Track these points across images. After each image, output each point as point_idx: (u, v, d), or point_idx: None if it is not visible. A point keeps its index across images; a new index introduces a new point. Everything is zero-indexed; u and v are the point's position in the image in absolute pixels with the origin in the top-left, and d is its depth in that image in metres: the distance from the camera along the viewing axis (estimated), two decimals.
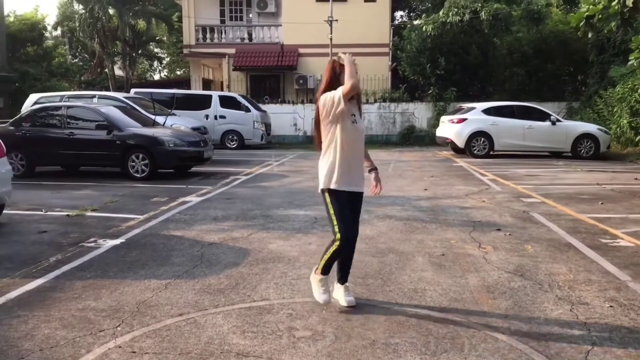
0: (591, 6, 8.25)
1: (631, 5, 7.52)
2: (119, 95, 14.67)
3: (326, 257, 3.72)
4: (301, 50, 24.41)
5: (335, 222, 3.65)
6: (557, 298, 3.98)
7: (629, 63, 15.47)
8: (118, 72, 31.96)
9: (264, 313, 3.69)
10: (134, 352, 3.09)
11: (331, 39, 21.66)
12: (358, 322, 3.54)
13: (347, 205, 3.70)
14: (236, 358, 3.03)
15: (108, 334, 3.34)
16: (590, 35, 8.94)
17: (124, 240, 5.67)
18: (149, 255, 5.12)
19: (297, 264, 4.83)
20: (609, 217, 6.87)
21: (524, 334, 3.35)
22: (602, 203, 7.90)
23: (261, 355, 3.06)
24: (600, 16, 8.16)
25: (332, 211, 3.69)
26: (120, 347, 3.16)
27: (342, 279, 3.89)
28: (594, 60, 20.78)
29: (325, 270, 3.77)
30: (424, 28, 21.57)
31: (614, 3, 7.89)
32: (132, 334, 3.34)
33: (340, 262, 3.84)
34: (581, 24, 8.47)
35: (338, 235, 3.63)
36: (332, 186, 3.68)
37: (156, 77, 42.83)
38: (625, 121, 16.47)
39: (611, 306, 3.82)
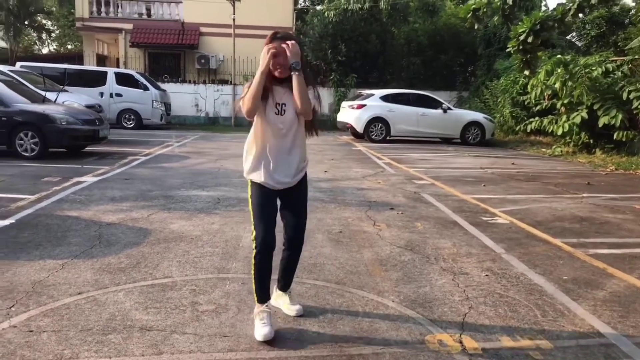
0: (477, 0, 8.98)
1: (511, 3, 8.25)
2: (4, 68, 13.60)
3: (252, 273, 3.08)
4: (203, 29, 23.87)
5: (252, 220, 3.05)
6: (441, 269, 4.38)
7: (508, 51, 16.76)
8: (0, 43, 29.42)
9: (166, 290, 3.74)
10: (31, 331, 3.03)
11: (234, 19, 21.39)
12: None
13: (271, 202, 3.10)
14: (139, 332, 3.08)
15: (1, 315, 3.23)
16: (476, 26, 9.72)
17: (13, 221, 5.39)
18: (43, 236, 4.93)
19: (199, 243, 4.89)
20: (490, 198, 7.54)
21: (412, 301, 3.68)
22: (484, 185, 8.62)
23: (165, 329, 3.13)
24: (485, 10, 8.89)
25: (250, 206, 3.10)
26: (15, 326, 3.08)
27: (284, 287, 3.43)
28: (482, 53, 22.30)
29: (260, 296, 3.12)
30: (326, 14, 21.97)
31: None
32: (27, 314, 3.26)
33: (280, 270, 3.36)
34: (469, 15, 9.17)
35: (253, 235, 3.01)
36: (254, 178, 3.09)
37: (44, 50, 39.85)
38: (507, 111, 17.89)
39: (487, 275, 4.28)
